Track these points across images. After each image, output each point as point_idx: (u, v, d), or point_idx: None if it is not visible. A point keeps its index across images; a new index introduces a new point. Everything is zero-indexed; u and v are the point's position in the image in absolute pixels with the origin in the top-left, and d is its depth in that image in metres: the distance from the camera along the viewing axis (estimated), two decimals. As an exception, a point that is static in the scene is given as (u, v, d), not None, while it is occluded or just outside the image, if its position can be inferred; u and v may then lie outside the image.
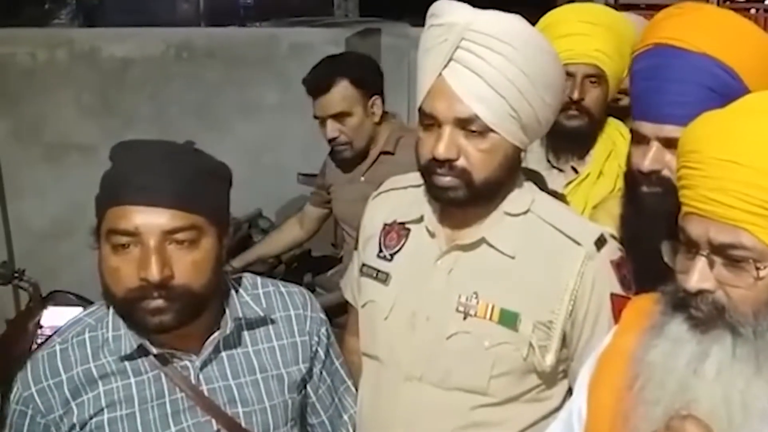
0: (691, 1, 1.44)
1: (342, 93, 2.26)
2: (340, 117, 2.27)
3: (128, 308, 1.15)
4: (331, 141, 2.31)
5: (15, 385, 1.23)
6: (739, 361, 0.94)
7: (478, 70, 1.21)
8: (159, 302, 1.13)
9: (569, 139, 1.90)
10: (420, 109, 1.28)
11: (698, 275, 0.96)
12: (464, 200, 1.27)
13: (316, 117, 2.31)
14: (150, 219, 1.11)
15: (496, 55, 1.20)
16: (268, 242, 2.81)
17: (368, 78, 2.33)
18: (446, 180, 1.25)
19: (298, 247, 3.02)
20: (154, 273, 1.10)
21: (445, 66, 1.22)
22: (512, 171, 1.31)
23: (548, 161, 1.95)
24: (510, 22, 1.22)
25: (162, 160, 1.15)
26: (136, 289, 1.12)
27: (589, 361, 1.18)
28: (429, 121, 1.26)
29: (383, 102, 2.37)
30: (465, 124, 1.23)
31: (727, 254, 0.94)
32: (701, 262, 0.96)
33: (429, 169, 1.27)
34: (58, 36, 3.99)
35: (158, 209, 1.12)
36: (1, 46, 3.49)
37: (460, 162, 1.24)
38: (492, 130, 1.23)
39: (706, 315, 0.96)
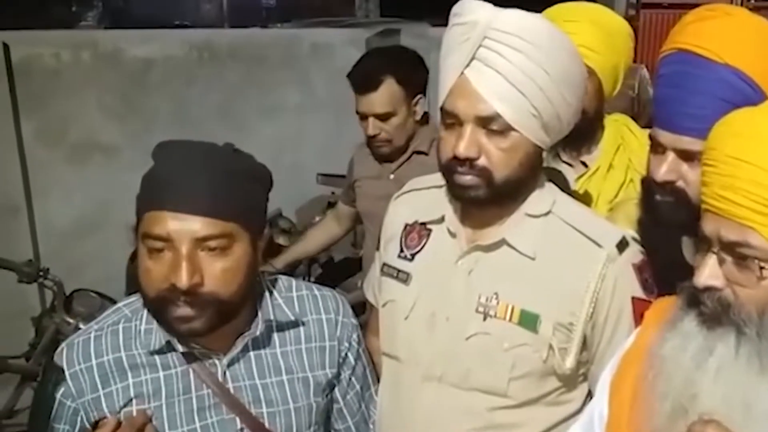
0: (720, 3, 1.40)
1: (389, 92, 2.23)
2: (384, 117, 2.25)
3: (158, 310, 1.17)
4: (371, 137, 2.30)
5: (49, 370, 1.26)
6: (741, 361, 0.94)
7: (500, 68, 1.20)
8: (187, 310, 1.14)
9: (567, 137, 1.88)
10: (442, 108, 1.28)
11: (708, 272, 0.97)
12: (485, 199, 1.26)
13: (358, 112, 2.29)
14: (183, 226, 1.12)
15: (518, 53, 1.19)
16: (307, 241, 2.80)
17: (414, 77, 2.30)
18: (467, 179, 1.25)
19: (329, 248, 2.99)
20: (183, 280, 1.11)
21: (468, 65, 1.22)
22: (533, 171, 1.30)
23: (557, 156, 1.94)
24: (533, 21, 1.21)
25: (199, 166, 1.15)
26: (166, 292, 1.13)
27: (611, 363, 1.18)
28: (450, 120, 1.26)
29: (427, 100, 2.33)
30: (486, 122, 1.22)
31: (735, 252, 0.95)
32: (712, 259, 0.97)
33: (450, 167, 1.27)
34: (82, 37, 4.04)
35: (192, 216, 1.13)
36: (26, 48, 3.53)
37: (481, 161, 1.24)
38: (513, 129, 1.23)
39: (712, 311, 0.97)
